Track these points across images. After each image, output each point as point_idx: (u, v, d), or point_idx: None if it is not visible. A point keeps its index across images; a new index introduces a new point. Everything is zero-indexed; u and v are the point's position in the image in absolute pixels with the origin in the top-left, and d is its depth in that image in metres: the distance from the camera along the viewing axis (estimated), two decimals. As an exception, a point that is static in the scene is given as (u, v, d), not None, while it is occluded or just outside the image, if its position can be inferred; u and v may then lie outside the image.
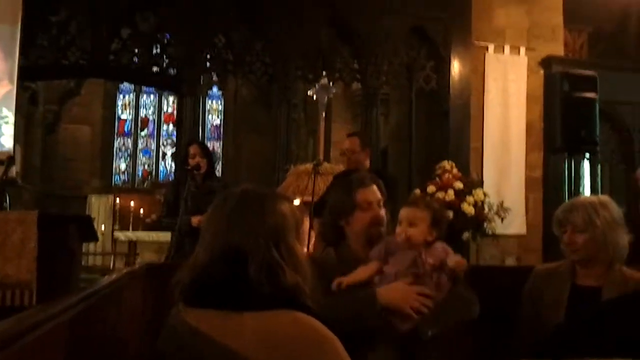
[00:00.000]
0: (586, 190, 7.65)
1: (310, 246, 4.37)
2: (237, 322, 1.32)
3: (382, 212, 2.45)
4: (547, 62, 7.83)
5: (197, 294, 1.38)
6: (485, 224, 5.99)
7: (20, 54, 6.34)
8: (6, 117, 6.29)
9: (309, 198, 4.88)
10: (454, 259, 2.23)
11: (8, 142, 6.25)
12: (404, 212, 2.34)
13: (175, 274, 1.44)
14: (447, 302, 2.20)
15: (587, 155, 7.67)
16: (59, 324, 1.23)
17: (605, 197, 2.46)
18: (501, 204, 6.19)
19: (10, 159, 3.55)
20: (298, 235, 1.48)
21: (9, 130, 6.28)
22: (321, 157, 6.32)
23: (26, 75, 7.02)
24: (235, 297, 1.34)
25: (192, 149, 4.82)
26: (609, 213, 2.36)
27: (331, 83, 7.21)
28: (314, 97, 6.94)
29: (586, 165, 7.77)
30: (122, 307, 2.04)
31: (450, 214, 5.64)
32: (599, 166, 7.96)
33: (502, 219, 6.18)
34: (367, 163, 4.59)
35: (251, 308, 1.33)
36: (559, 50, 8.05)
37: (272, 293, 1.34)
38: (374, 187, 2.49)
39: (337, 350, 1.36)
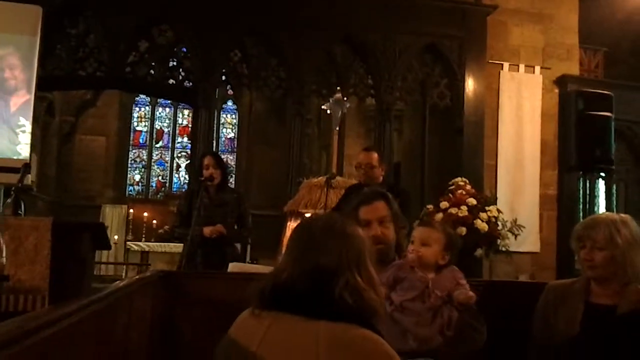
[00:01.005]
0: (601, 209, 7.60)
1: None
2: (312, 328, 1.41)
3: (383, 229, 2.44)
4: (562, 81, 7.83)
5: (277, 298, 1.48)
6: (498, 241, 5.95)
7: (39, 65, 6.43)
8: (23, 126, 6.36)
9: (321, 211, 4.89)
10: (463, 294, 2.18)
11: (24, 151, 6.32)
12: (417, 232, 2.32)
13: (253, 284, 1.53)
14: (453, 340, 2.17)
15: (602, 174, 7.63)
16: (69, 325, 1.24)
17: (626, 216, 2.40)
18: (515, 221, 6.16)
19: (25, 167, 3.59)
20: (371, 259, 1.57)
21: (25, 139, 6.35)
22: (334, 171, 6.33)
23: (44, 86, 7.11)
24: (316, 305, 1.43)
25: (206, 160, 4.83)
26: (630, 232, 2.31)
27: (345, 98, 7.24)
28: (328, 111, 6.96)
29: (601, 183, 7.73)
30: (132, 312, 2.04)
31: (464, 230, 5.61)
32: (614, 185, 7.91)
33: (516, 236, 6.14)
34: (381, 178, 4.55)
35: (328, 318, 1.42)
36: (574, 69, 8.05)
37: (352, 309, 1.43)
38: (377, 204, 2.48)
39: None
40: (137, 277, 2.58)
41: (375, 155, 4.46)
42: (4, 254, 3.03)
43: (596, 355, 2.22)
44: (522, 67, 7.75)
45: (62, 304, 1.31)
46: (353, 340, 1.41)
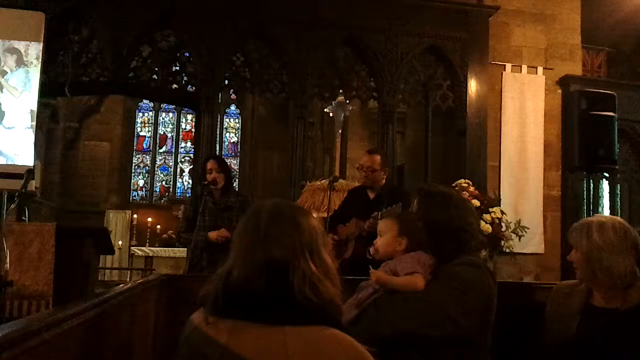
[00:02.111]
0: (605, 209, 7.57)
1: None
2: (279, 337, 1.31)
3: None
4: (564, 81, 7.81)
5: (233, 306, 1.36)
6: (502, 242, 5.94)
7: (42, 71, 6.45)
8: (27, 132, 6.38)
9: (324, 214, 4.89)
10: (375, 273, 2.22)
11: (28, 157, 6.33)
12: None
13: (204, 286, 1.42)
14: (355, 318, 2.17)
15: (606, 174, 7.60)
16: (72, 327, 1.24)
17: (609, 219, 2.34)
18: (518, 222, 6.14)
19: (29, 173, 3.59)
20: (325, 247, 1.48)
21: (29, 145, 6.37)
22: (337, 173, 6.33)
23: (47, 92, 7.13)
24: (278, 310, 1.34)
25: (209, 164, 4.83)
26: (604, 236, 2.26)
27: (347, 101, 7.24)
28: (330, 114, 6.98)
29: (605, 184, 7.69)
30: (134, 316, 2.04)
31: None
32: (618, 185, 7.87)
33: (520, 237, 6.12)
34: (384, 181, 4.53)
35: (292, 323, 1.33)
36: (577, 69, 8.03)
37: (313, 307, 1.35)
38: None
39: None
40: (139, 281, 2.58)
41: (378, 158, 4.44)
42: (7, 260, 3.04)
43: (593, 355, 2.21)
44: (524, 67, 7.74)
45: (63, 307, 1.31)
46: (323, 343, 1.33)
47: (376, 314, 2.15)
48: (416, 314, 2.12)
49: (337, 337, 1.35)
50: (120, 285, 2.13)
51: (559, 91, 7.84)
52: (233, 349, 1.30)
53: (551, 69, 7.82)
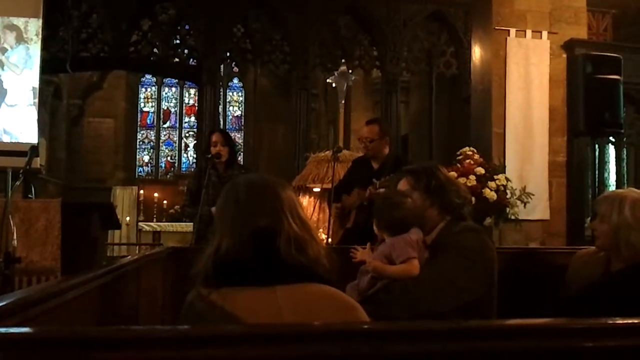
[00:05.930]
0: (611, 174, 7.53)
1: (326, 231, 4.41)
2: (270, 296, 1.36)
3: None
4: (569, 45, 7.70)
5: (225, 275, 1.40)
6: (507, 209, 5.93)
7: (42, 47, 6.42)
8: (30, 109, 6.38)
9: (328, 185, 4.90)
10: (371, 264, 2.28)
11: (32, 135, 6.34)
12: None
13: (194, 264, 1.47)
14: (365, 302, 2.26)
15: (612, 138, 7.54)
16: (76, 297, 1.25)
17: None
18: (524, 189, 6.13)
19: (32, 150, 3.60)
20: (302, 209, 1.55)
21: (33, 122, 6.37)
22: (341, 144, 6.31)
23: (49, 68, 7.11)
24: (268, 272, 1.39)
25: (214, 137, 4.82)
26: (636, 214, 2.25)
27: (350, 71, 7.19)
28: (333, 84, 6.93)
29: (611, 149, 7.64)
30: (141, 287, 2.06)
31: (472, 199, 5.59)
32: (625, 149, 7.82)
33: (525, 204, 6.11)
34: (386, 150, 4.51)
35: (283, 282, 1.38)
36: (582, 33, 7.91)
37: (301, 266, 1.41)
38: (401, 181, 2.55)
39: (365, 317, 1.45)
40: (146, 253, 2.60)
41: (376, 128, 4.42)
42: (15, 237, 3.07)
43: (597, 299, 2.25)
44: (529, 32, 7.63)
45: (68, 277, 1.32)
46: (314, 298, 1.39)
47: (388, 298, 2.21)
48: (432, 293, 2.20)
49: (327, 291, 1.42)
50: (127, 257, 2.15)
51: (564, 55, 7.74)
52: (229, 310, 1.35)
53: (556, 33, 7.71)
